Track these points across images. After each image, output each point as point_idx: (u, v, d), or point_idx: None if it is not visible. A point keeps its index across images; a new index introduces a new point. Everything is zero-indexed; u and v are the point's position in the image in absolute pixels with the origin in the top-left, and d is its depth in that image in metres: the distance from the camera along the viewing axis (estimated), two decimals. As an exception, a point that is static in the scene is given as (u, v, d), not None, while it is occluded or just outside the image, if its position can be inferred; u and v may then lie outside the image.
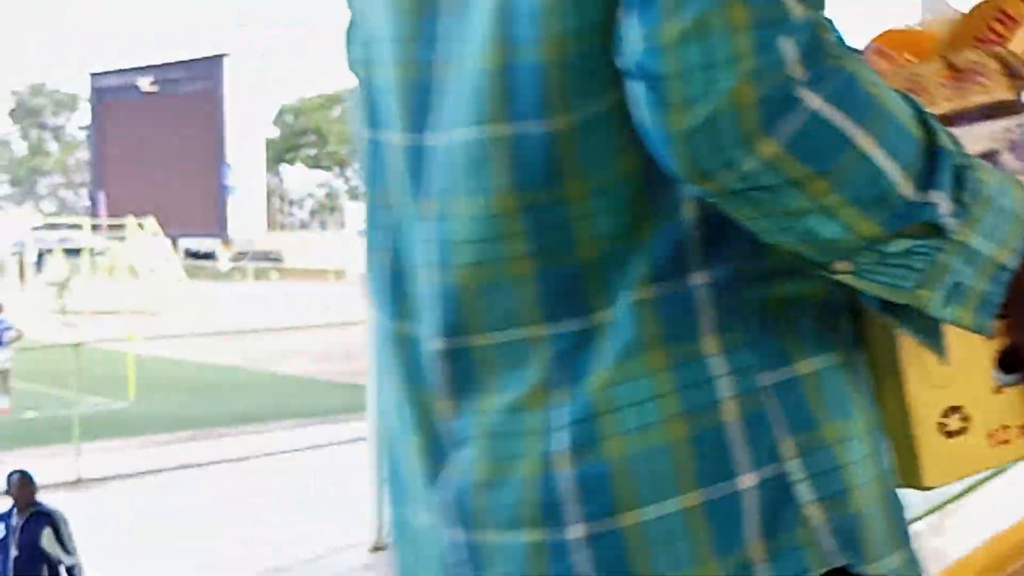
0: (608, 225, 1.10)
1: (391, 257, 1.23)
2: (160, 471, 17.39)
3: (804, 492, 1.10)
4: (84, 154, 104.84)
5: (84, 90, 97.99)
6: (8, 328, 24.16)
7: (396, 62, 1.19)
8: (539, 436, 1.10)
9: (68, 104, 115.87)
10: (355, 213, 74.34)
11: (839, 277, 1.07)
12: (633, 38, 1.01)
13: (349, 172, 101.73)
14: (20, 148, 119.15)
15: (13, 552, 8.44)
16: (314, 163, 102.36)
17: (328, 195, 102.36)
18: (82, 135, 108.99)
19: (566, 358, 1.10)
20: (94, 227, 56.50)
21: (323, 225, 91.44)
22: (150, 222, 51.87)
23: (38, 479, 16.54)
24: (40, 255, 61.89)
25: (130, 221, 50.75)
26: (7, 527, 8.64)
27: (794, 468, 1.10)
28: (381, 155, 1.25)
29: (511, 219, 1.10)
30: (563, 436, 1.09)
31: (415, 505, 1.24)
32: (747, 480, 1.09)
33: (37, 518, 8.69)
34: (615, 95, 1.06)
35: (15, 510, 8.69)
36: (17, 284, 59.80)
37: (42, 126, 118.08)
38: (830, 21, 1.05)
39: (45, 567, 8.49)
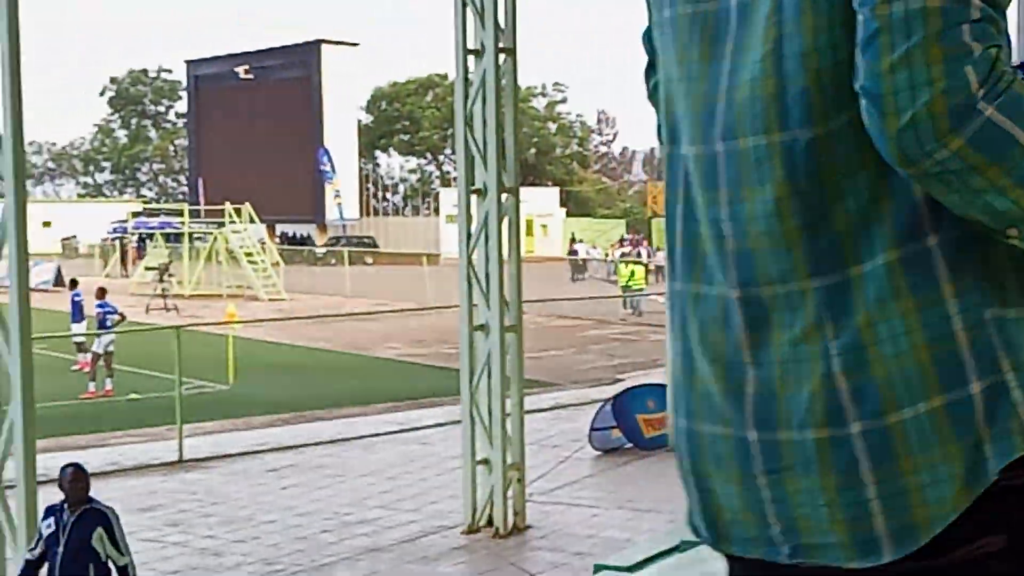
0: (856, 203, 1.52)
1: (688, 237, 1.66)
2: (259, 452, 17.74)
3: (1017, 395, 1.51)
4: (183, 141, 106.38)
5: (183, 78, 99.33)
6: (111, 312, 24.71)
7: (688, 96, 1.64)
8: (820, 360, 1.53)
9: (168, 92, 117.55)
10: (448, 199, 74.70)
11: (1011, 241, 1.49)
12: (862, 69, 1.45)
13: (441, 158, 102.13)
14: (121, 136, 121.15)
15: (60, 550, 8.01)
16: (407, 149, 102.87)
17: (420, 181, 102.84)
18: (181, 122, 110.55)
19: (831, 303, 1.52)
20: (193, 213, 57.36)
21: (416, 211, 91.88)
22: (247, 208, 52.55)
23: (141, 459, 17.05)
24: (141, 241, 63.09)
25: (228, 207, 51.45)
26: (57, 523, 8.14)
27: (1010, 378, 1.52)
28: (678, 163, 1.69)
29: (786, 201, 1.52)
30: (839, 360, 1.52)
31: (706, 418, 1.64)
32: (976, 386, 1.51)
33: (89, 516, 8.16)
34: (855, 109, 1.48)
35: (66, 506, 8.16)
36: (119, 270, 61.09)
37: (142, 114, 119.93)
38: (1004, 48, 1.44)
39: (92, 567, 8.02)
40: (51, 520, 8.12)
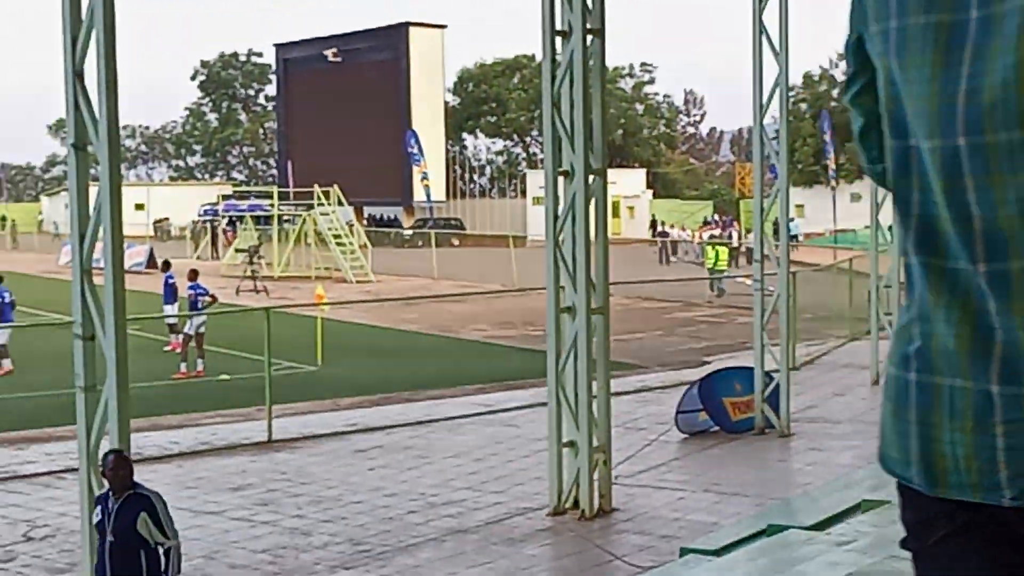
0: None
1: (925, 217, 1.78)
2: (347, 433, 17.92)
3: None
4: (273, 124, 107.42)
5: (272, 61, 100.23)
6: (203, 294, 25.03)
7: (920, 96, 1.76)
8: None
9: (257, 75, 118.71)
10: (534, 180, 74.70)
11: None
12: None
13: (528, 140, 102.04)
14: (212, 119, 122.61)
15: (109, 538, 8.01)
16: (494, 131, 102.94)
17: (507, 162, 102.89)
18: (271, 105, 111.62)
19: None
20: (282, 195, 57.91)
21: (502, 192, 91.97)
22: (336, 190, 52.96)
23: (231, 439, 17.30)
24: (231, 223, 63.86)
25: (316, 189, 51.89)
26: (104, 511, 8.13)
27: None
28: (907, 154, 1.81)
29: None
30: None
31: (944, 372, 1.78)
32: None
33: (133, 501, 8.08)
34: None
35: (111, 494, 8.12)
36: (209, 252, 61.92)
37: (233, 97, 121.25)
38: None
39: (142, 552, 7.99)
40: (99, 509, 8.18)
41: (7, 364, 23.88)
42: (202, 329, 24.23)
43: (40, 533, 12.62)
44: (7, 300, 24.77)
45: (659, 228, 66.19)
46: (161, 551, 8.02)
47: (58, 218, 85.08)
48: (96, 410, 9.08)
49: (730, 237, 57.54)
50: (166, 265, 28.68)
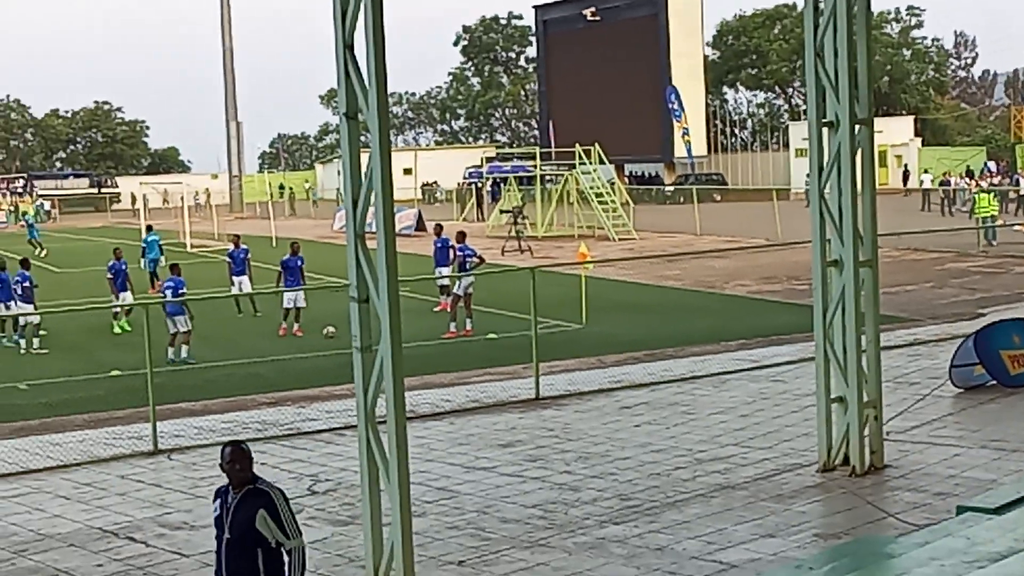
0: None
1: None
2: (612, 390, 18.05)
3: None
4: (534, 86, 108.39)
5: (532, 23, 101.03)
6: (471, 255, 25.55)
7: None
8: None
9: (518, 38, 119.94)
10: (797, 132, 73.11)
11: None
12: None
13: (790, 91, 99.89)
14: (474, 83, 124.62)
15: (226, 535, 7.48)
16: (755, 83, 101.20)
17: (769, 115, 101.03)
18: (531, 67, 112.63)
19: None
20: (544, 156, 58.45)
21: (764, 146, 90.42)
22: (597, 149, 53.12)
23: (500, 396, 17.67)
24: (495, 185, 64.88)
25: (578, 149, 52.18)
26: (223, 506, 7.59)
27: None
28: None
29: None
30: None
31: None
32: None
33: (252, 497, 7.50)
34: None
35: (231, 487, 7.58)
36: (475, 213, 63.12)
37: (495, 60, 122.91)
38: None
39: (260, 551, 7.42)
40: (218, 503, 7.67)
41: (296, 327, 24.99)
42: (470, 290, 24.76)
43: (323, 487, 13.22)
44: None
45: (915, 177, 64.09)
46: (284, 551, 7.47)
47: (331, 185, 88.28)
48: (372, 369, 9.42)
49: (1016, 183, 54.95)
50: (439, 228, 29.44)
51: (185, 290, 23.27)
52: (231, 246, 30.02)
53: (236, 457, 7.58)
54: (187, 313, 22.62)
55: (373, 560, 9.50)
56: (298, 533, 7.55)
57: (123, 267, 26.91)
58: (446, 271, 27.16)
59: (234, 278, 28.83)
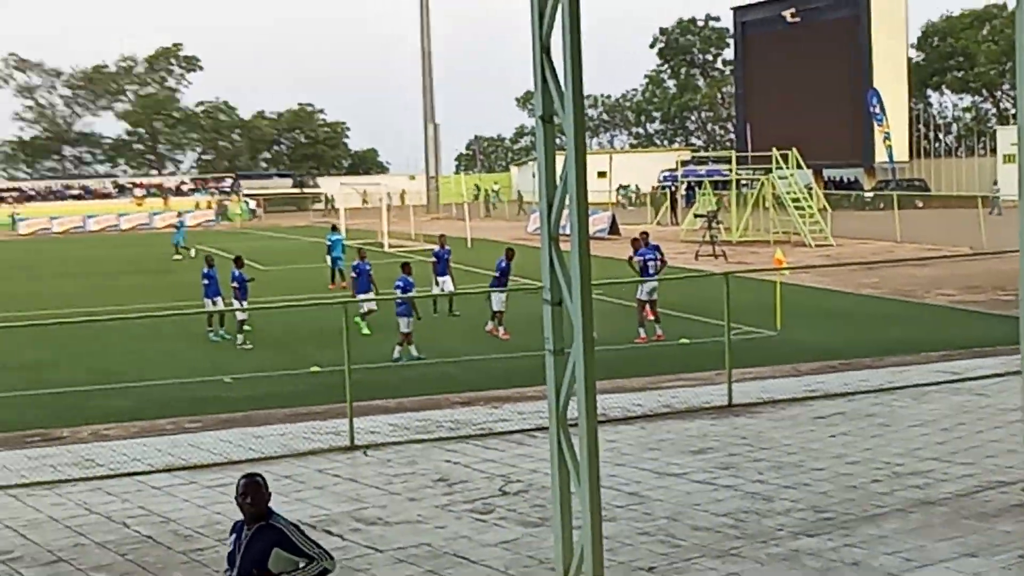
0: None
1: None
2: (807, 399, 17.72)
3: None
4: (730, 88, 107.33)
5: (730, 25, 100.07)
6: (653, 258, 25.10)
7: None
8: None
9: (715, 40, 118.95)
10: (1006, 137, 70.66)
11: None
12: None
13: (999, 94, 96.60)
14: (670, 86, 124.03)
15: (233, 572, 7.04)
16: (961, 86, 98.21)
17: (975, 119, 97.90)
18: (728, 70, 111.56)
19: None
20: (740, 160, 57.81)
21: (970, 151, 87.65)
22: (794, 153, 52.30)
23: (692, 402, 17.52)
24: (690, 189, 64.46)
25: (774, 153, 51.46)
26: (236, 541, 7.15)
27: None
28: None
29: None
30: None
31: None
32: None
33: (263, 534, 7.04)
34: None
35: (245, 523, 7.13)
36: (669, 217, 62.82)
37: (691, 63, 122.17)
38: None
39: None
40: (232, 538, 7.23)
41: (501, 331, 25.10)
42: (654, 296, 24.53)
43: (514, 488, 13.31)
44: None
45: None
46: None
47: (526, 187, 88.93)
48: (564, 372, 9.43)
49: None
50: (643, 237, 28.52)
51: (414, 291, 23.36)
52: (436, 246, 30.37)
53: (249, 490, 7.14)
54: (412, 315, 22.75)
55: (563, 563, 9.52)
56: (326, 556, 7.14)
57: (367, 267, 26.90)
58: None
59: (437, 278, 29.26)
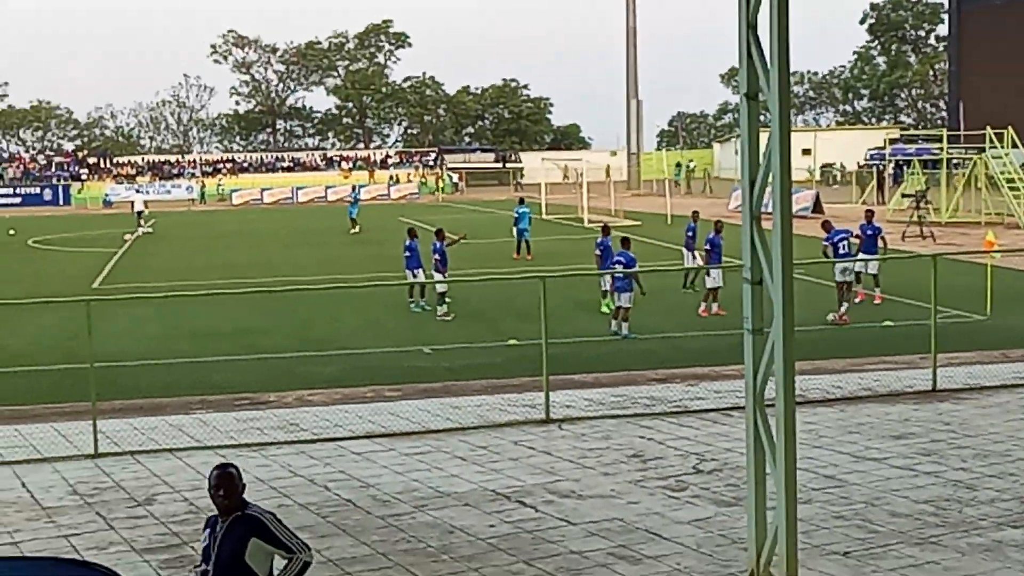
0: None
1: None
2: (1017, 386, 17.13)
3: None
4: (943, 65, 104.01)
5: (945, 0, 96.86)
6: (844, 237, 24.36)
7: None
8: None
9: (928, 16, 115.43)
10: None
11: None
12: None
13: None
14: (880, 62, 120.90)
15: (207, 567, 6.74)
16: None
17: None
18: (942, 46, 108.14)
19: None
20: (951, 139, 55.95)
21: None
22: (1010, 132, 50.35)
23: (894, 386, 17.12)
24: (897, 168, 62.74)
25: (988, 132, 49.62)
26: (211, 535, 6.83)
27: None
28: None
29: None
30: None
31: None
32: None
33: (238, 526, 6.76)
34: None
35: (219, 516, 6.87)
36: (875, 196, 61.26)
37: (902, 39, 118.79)
38: None
39: None
40: (207, 532, 6.92)
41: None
42: (848, 276, 24.03)
43: (708, 466, 13.26)
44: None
45: None
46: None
47: (728, 164, 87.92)
48: (762, 352, 9.34)
49: None
50: (869, 214, 27.91)
51: (637, 266, 23.35)
52: (691, 220, 30.27)
53: (221, 482, 6.83)
54: (634, 289, 22.66)
55: (756, 543, 9.45)
56: (304, 548, 6.86)
57: (608, 243, 26.19)
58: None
59: (685, 251, 29.81)
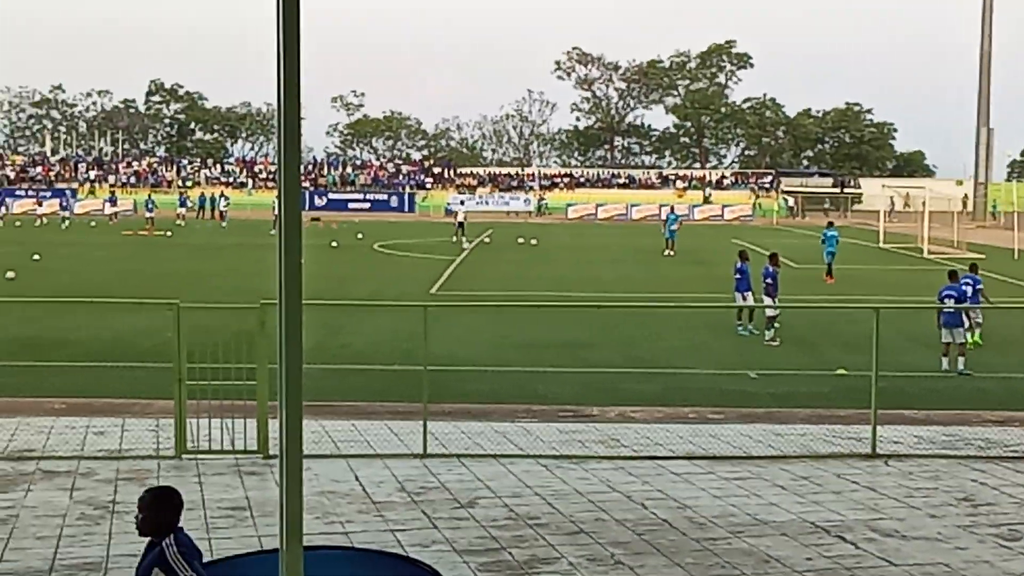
0: None
1: None
2: None
3: None
4: None
5: None
6: None
7: None
8: None
9: None
10: None
11: None
12: None
13: None
14: None
15: None
16: None
17: None
18: None
19: None
20: None
21: None
22: None
23: None
24: None
25: None
26: (142, 558, 6.61)
27: None
28: None
29: None
30: None
31: None
32: None
33: (150, 551, 6.50)
34: None
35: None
36: None
37: None
38: None
39: None
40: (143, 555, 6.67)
41: None
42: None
43: (1045, 517, 12.54)
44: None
45: None
46: None
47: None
48: None
49: None
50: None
51: (972, 297, 22.47)
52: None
53: (140, 504, 6.58)
54: (965, 325, 21.85)
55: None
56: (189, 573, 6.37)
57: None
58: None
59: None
